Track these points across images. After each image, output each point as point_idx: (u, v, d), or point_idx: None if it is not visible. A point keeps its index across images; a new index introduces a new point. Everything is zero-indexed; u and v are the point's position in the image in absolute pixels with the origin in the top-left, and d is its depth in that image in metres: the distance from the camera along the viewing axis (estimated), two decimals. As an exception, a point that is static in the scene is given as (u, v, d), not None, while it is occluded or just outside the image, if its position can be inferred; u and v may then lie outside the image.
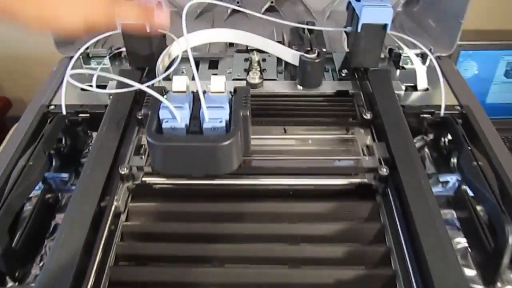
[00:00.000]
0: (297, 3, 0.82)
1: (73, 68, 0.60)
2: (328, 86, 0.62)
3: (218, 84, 0.49)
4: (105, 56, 0.71)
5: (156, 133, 0.45)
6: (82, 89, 0.65)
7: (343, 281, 0.43)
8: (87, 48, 0.67)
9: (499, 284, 0.44)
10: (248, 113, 0.47)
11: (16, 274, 0.45)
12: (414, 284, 0.41)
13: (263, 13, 0.82)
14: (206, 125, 0.45)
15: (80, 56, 0.67)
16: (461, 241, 0.50)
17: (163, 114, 0.46)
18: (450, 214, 0.52)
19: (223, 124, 0.46)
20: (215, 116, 0.46)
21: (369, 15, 0.55)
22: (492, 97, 0.97)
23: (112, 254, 0.45)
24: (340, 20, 0.80)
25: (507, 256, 0.42)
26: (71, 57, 0.72)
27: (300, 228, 0.47)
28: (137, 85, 0.45)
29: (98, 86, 0.65)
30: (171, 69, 0.55)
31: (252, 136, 0.51)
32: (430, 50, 0.70)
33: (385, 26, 0.57)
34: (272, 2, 0.80)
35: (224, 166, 0.46)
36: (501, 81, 0.95)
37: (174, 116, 0.45)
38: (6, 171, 0.48)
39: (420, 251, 0.41)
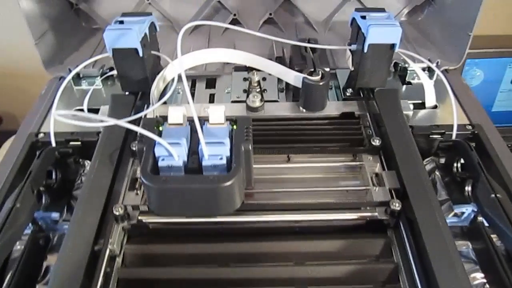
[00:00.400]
0: (296, 14, 0.79)
1: (63, 90, 0.57)
2: (333, 108, 0.59)
3: (218, 115, 0.46)
4: (96, 76, 0.68)
5: (152, 173, 0.41)
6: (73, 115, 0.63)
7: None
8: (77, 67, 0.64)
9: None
10: (250, 147, 0.44)
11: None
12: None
13: (262, 25, 0.79)
14: (206, 162, 0.42)
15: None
16: (477, 277, 0.47)
17: (159, 151, 0.42)
18: (465, 246, 0.49)
19: (224, 161, 0.42)
20: (215, 153, 0.42)
21: (376, 35, 0.52)
22: (498, 105, 0.94)
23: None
24: (342, 31, 0.78)
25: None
26: (61, 77, 0.69)
27: (308, 270, 0.44)
28: (127, 125, 0.42)
29: (89, 110, 0.62)
30: (166, 97, 0.52)
31: (253, 166, 0.48)
32: (437, 64, 0.68)
33: (393, 45, 0.53)
34: (270, 14, 0.77)
35: (226, 206, 0.43)
36: (508, 89, 0.92)
37: (171, 153, 0.42)
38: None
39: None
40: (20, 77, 1.03)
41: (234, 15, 0.77)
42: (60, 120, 0.42)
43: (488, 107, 0.94)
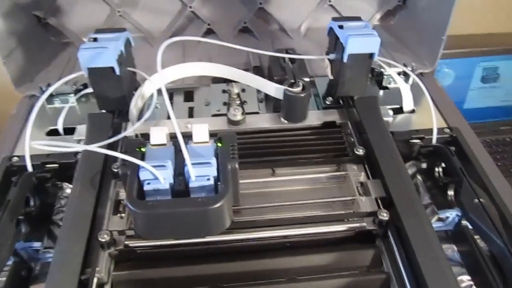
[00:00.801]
0: (271, 22, 0.79)
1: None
2: (314, 117, 0.59)
3: (201, 133, 0.45)
4: (70, 93, 0.65)
5: (138, 198, 0.40)
6: (49, 133, 0.61)
7: None
8: (49, 84, 0.62)
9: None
10: (236, 165, 0.43)
11: None
12: None
13: (237, 34, 0.78)
14: (193, 184, 0.41)
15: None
16: (464, 279, 0.48)
17: (143, 175, 0.41)
18: (450, 249, 0.50)
19: (211, 181, 0.42)
20: (202, 173, 0.42)
21: (356, 46, 0.52)
22: (469, 102, 0.97)
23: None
24: (317, 38, 0.78)
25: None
26: (32, 95, 0.67)
27: (301, 286, 0.44)
28: (110, 152, 0.41)
29: (65, 130, 0.60)
30: (147, 115, 0.51)
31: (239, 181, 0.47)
32: (412, 68, 0.69)
33: (372, 55, 0.54)
34: (245, 23, 0.77)
35: (216, 228, 0.42)
36: (477, 86, 0.95)
37: (156, 176, 0.41)
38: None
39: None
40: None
41: (208, 24, 0.76)
42: (37, 147, 0.41)
43: (460, 104, 0.96)
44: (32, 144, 0.40)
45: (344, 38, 0.52)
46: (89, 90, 0.61)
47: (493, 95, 0.97)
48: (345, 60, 0.54)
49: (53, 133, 0.61)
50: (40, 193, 0.52)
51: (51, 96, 0.66)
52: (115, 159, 0.51)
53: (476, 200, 0.47)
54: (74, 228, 0.44)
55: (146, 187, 0.41)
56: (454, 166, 0.51)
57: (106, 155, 0.51)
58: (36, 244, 0.47)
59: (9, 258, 0.45)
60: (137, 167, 0.42)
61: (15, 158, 0.55)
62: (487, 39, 0.94)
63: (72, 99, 0.64)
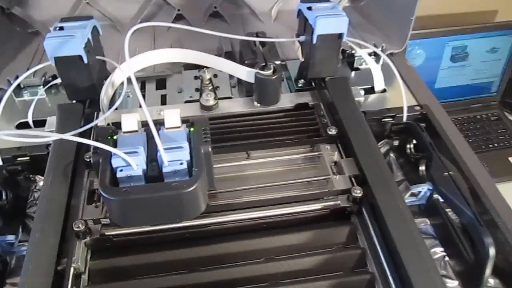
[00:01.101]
0: (241, 7, 0.78)
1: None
2: (287, 100, 0.59)
3: (173, 118, 0.45)
4: (39, 86, 0.64)
5: (111, 185, 0.40)
6: (18, 125, 0.60)
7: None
8: (17, 76, 0.60)
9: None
10: (209, 149, 0.43)
11: None
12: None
13: (207, 19, 0.78)
14: (166, 169, 0.41)
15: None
16: (437, 251, 0.49)
17: (116, 162, 0.41)
18: (424, 223, 0.52)
19: (185, 165, 0.42)
20: (175, 158, 0.42)
21: (324, 26, 0.52)
22: (440, 81, 0.98)
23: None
24: (289, 21, 0.78)
25: (489, 268, 0.42)
26: (0, 89, 0.65)
27: (279, 266, 0.44)
28: (77, 139, 0.40)
29: (34, 122, 0.59)
30: (117, 103, 0.50)
31: (214, 166, 0.47)
32: (382, 48, 0.69)
33: (340, 35, 0.54)
34: (215, 8, 0.76)
35: (191, 212, 0.42)
36: (447, 66, 0.96)
37: (129, 163, 0.41)
38: None
39: (405, 274, 0.40)
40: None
41: (178, 10, 0.76)
42: (7, 139, 0.40)
43: (431, 83, 0.98)
44: (1, 136, 0.39)
45: (312, 19, 0.53)
46: (58, 80, 0.60)
47: (463, 74, 0.98)
48: (314, 41, 0.54)
49: (23, 126, 0.59)
50: (12, 186, 0.52)
51: (20, 89, 0.65)
52: (87, 148, 0.50)
53: (446, 173, 0.48)
54: (48, 219, 0.44)
55: (119, 174, 0.41)
56: (424, 141, 0.52)
57: (78, 145, 0.51)
58: (10, 238, 0.47)
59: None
60: (109, 154, 0.41)
61: (-16, 154, 0.54)
62: (456, 19, 0.96)
63: (41, 91, 0.63)
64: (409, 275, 0.39)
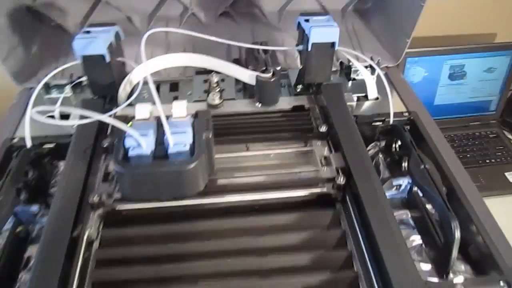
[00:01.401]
0: (252, 7, 0.83)
1: (34, 99, 0.61)
2: (285, 102, 0.65)
3: (180, 109, 0.51)
4: (66, 85, 0.72)
5: (123, 161, 0.47)
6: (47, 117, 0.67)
7: (312, 287, 0.46)
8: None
9: (451, 275, 0.48)
10: (210, 136, 0.50)
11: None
12: (375, 284, 0.44)
13: (218, 17, 0.83)
14: (171, 150, 0.48)
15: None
16: (416, 239, 0.54)
17: (128, 142, 0.47)
18: (405, 214, 0.57)
19: (187, 148, 0.48)
20: (179, 141, 0.48)
21: (317, 35, 0.59)
22: (439, 98, 1.03)
23: (88, 282, 0.46)
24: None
25: (455, 249, 0.46)
26: (31, 88, 0.73)
27: (268, 240, 0.50)
28: (100, 117, 0.47)
29: (61, 116, 0.66)
30: (133, 97, 0.57)
31: (215, 155, 0.53)
32: (378, 62, 0.76)
33: (333, 44, 0.61)
34: (226, 8, 0.82)
35: (191, 188, 0.48)
36: (446, 83, 1.02)
37: (140, 143, 0.47)
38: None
39: (378, 253, 0.45)
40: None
41: (192, 10, 0.81)
42: (38, 119, 0.47)
43: (430, 100, 1.03)
44: (33, 113, 0.46)
45: (308, 29, 0.59)
46: (83, 79, 0.68)
47: (461, 92, 1.03)
48: (309, 49, 0.60)
49: (51, 118, 0.67)
50: (37, 168, 0.59)
51: (49, 88, 0.72)
52: (104, 136, 0.57)
53: (422, 166, 0.53)
54: (67, 192, 0.50)
55: (130, 153, 0.47)
56: (405, 139, 0.57)
57: (97, 133, 0.58)
58: (34, 208, 0.53)
59: (9, 216, 0.51)
60: (123, 136, 0.48)
61: (16, 139, 0.61)
62: (454, 40, 1.02)
63: (68, 89, 0.70)
64: (381, 252, 0.44)
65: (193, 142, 0.49)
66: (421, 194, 0.56)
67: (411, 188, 0.57)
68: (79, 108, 0.53)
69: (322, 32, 0.59)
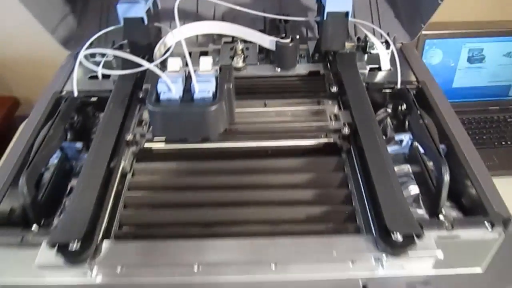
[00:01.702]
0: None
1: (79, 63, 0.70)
2: (302, 68, 0.72)
3: (206, 64, 0.59)
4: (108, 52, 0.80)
5: (155, 102, 0.54)
6: (90, 78, 0.76)
7: (315, 216, 0.52)
8: (92, 44, 0.77)
9: (441, 217, 0.53)
10: (231, 86, 0.57)
11: (41, 222, 0.54)
12: (370, 217, 0.50)
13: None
14: (196, 96, 0.55)
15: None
16: (414, 189, 0.59)
17: (160, 87, 0.55)
18: (406, 168, 0.62)
19: (211, 94, 0.55)
20: (203, 88, 0.55)
21: (332, 4, 0.65)
22: (458, 81, 1.07)
23: (121, 204, 0.54)
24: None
25: (445, 191, 0.52)
26: (77, 53, 0.82)
27: (278, 179, 0.56)
28: (143, 62, 0.55)
29: (103, 77, 0.75)
30: (167, 54, 0.65)
31: (236, 110, 0.60)
32: (393, 38, 0.81)
33: (347, 13, 0.67)
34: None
35: (212, 129, 0.55)
36: (464, 66, 1.05)
37: (170, 89, 0.55)
38: (30, 139, 0.58)
39: (374, 192, 0.50)
40: (37, 64, 1.16)
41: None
42: (85, 64, 0.55)
43: (449, 82, 1.06)
44: (83, 50, 0.54)
45: (324, 0, 0.66)
46: (123, 42, 0.76)
47: (480, 75, 1.06)
48: (325, 17, 0.67)
49: (94, 78, 0.76)
50: (82, 114, 0.67)
51: (93, 55, 0.81)
52: (140, 88, 0.65)
53: (421, 121, 0.59)
54: (107, 129, 0.58)
55: (161, 97, 0.55)
56: (409, 99, 0.63)
57: (134, 86, 0.66)
58: (78, 145, 0.61)
59: (58, 146, 0.59)
60: (156, 81, 0.55)
61: (64, 92, 0.70)
62: (474, 26, 1.05)
63: (110, 54, 0.79)
64: (377, 192, 0.50)
65: (216, 90, 0.56)
66: (421, 150, 0.61)
67: (412, 144, 0.62)
68: (124, 53, 0.61)
69: (337, 1, 0.65)
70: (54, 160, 0.60)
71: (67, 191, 0.59)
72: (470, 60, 1.04)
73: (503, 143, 1.03)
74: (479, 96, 1.10)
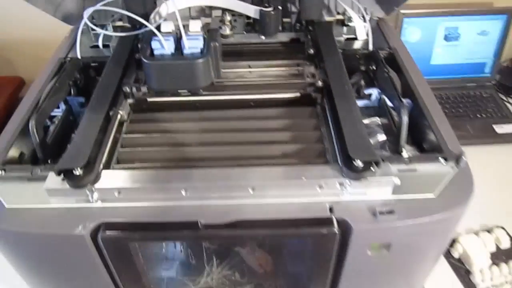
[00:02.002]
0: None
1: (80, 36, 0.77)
2: (284, 36, 0.79)
3: (195, 25, 0.66)
4: (108, 23, 0.88)
5: (149, 56, 0.61)
6: (92, 47, 0.83)
7: (290, 153, 0.59)
8: (93, 17, 0.84)
9: (404, 153, 0.60)
10: (217, 44, 0.64)
11: (49, 161, 0.60)
12: (338, 154, 0.57)
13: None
14: (186, 51, 0.62)
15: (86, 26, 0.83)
16: (381, 137, 0.66)
17: (154, 44, 0.62)
18: (376, 119, 0.69)
19: (199, 50, 0.62)
20: (193, 45, 0.62)
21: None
22: (435, 58, 1.14)
23: (119, 143, 0.61)
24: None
25: (404, 130, 0.58)
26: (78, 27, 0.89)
27: (260, 124, 0.64)
28: (145, 22, 0.62)
29: (103, 46, 0.82)
30: (162, 20, 0.72)
31: (223, 71, 0.68)
32: (370, 13, 0.88)
33: (323, -17, 0.74)
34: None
35: (201, 79, 0.62)
36: (442, 44, 1.12)
37: (163, 46, 0.62)
38: (38, 94, 0.65)
39: (342, 134, 0.57)
40: (43, 46, 1.22)
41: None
42: (88, 23, 0.62)
43: (427, 59, 1.13)
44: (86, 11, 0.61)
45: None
46: (122, 11, 0.83)
47: (457, 53, 1.13)
48: (303, -13, 0.74)
49: (95, 47, 0.83)
50: (84, 75, 0.74)
51: (94, 25, 0.88)
52: (137, 51, 0.72)
53: (386, 74, 0.66)
54: (107, 83, 0.65)
55: (155, 52, 0.62)
56: (377, 57, 0.70)
57: (131, 49, 0.73)
58: (81, 99, 0.68)
59: (63, 98, 0.66)
60: (150, 39, 0.62)
61: (68, 58, 0.77)
62: (449, 5, 1.12)
63: (109, 26, 0.86)
64: (343, 133, 0.57)
65: (204, 47, 0.63)
66: (389, 104, 0.68)
67: (380, 98, 0.69)
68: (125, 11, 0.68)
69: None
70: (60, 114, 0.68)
71: (71, 141, 0.66)
72: (446, 38, 1.11)
73: (478, 115, 1.10)
74: (457, 73, 1.17)
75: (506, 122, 1.09)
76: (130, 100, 0.66)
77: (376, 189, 0.54)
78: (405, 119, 0.58)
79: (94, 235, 0.52)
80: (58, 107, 0.67)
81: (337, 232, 0.52)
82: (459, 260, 0.82)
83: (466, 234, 0.84)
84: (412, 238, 0.55)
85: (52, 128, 0.66)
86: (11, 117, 0.64)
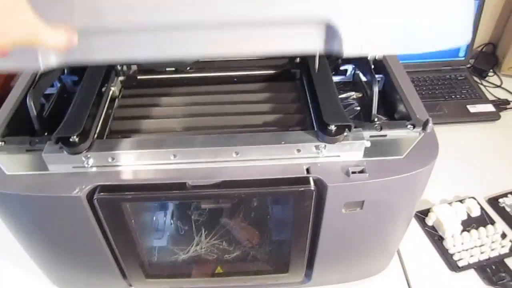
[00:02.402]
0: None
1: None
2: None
3: None
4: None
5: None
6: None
7: (272, 122, 0.64)
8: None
9: (376, 120, 0.65)
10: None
11: (45, 134, 0.64)
12: (314, 123, 0.62)
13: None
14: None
15: None
16: (357, 108, 0.71)
17: None
18: (352, 93, 0.74)
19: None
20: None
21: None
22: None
23: (112, 116, 0.65)
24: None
25: (375, 99, 0.63)
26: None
27: (243, 97, 0.68)
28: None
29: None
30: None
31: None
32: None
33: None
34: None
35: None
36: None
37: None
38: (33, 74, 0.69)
39: (317, 103, 0.62)
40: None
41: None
42: None
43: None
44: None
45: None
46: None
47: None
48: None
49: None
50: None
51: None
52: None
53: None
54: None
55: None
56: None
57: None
58: (74, 77, 0.72)
59: (58, 76, 0.70)
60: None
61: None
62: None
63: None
64: (319, 104, 0.62)
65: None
66: (363, 78, 0.73)
67: (354, 73, 0.74)
68: None
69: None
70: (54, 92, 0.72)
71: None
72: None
73: (453, 96, 1.16)
74: (431, 56, 1.22)
75: (479, 103, 1.14)
76: (121, 78, 0.71)
77: (349, 152, 0.59)
78: (376, 89, 0.63)
79: (90, 197, 0.56)
80: (53, 86, 0.72)
81: (313, 189, 0.57)
82: (432, 227, 0.87)
83: (440, 204, 0.89)
84: (382, 195, 0.60)
85: (47, 106, 0.70)
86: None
